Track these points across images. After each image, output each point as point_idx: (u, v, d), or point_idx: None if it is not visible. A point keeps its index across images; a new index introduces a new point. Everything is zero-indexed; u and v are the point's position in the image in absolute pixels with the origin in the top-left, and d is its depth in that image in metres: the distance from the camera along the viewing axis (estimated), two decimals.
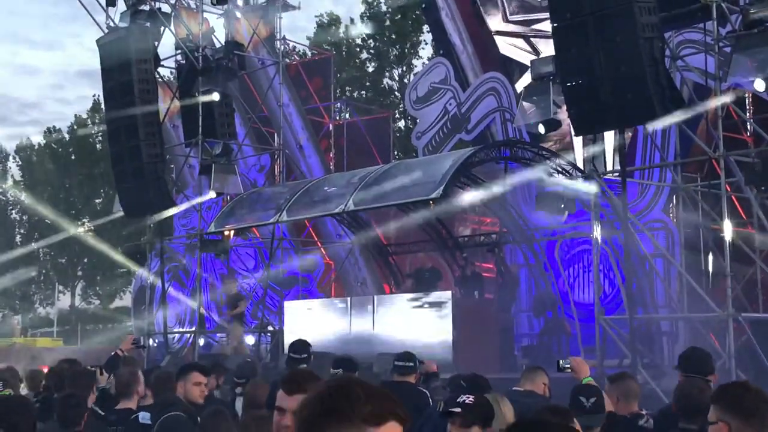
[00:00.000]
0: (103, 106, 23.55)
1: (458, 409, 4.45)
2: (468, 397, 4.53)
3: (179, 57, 20.88)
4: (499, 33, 22.11)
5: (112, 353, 8.53)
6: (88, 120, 48.85)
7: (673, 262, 15.50)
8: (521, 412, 4.88)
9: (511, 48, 22.15)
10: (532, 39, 22.02)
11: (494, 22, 22.09)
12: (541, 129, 14.90)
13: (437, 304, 16.08)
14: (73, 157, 48.25)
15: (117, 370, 7.85)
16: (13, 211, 51.45)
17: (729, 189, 14.45)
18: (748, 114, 16.57)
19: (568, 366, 6.02)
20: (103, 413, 6.36)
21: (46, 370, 8.68)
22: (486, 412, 4.54)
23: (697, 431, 4.85)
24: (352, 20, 41.85)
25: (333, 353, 14.21)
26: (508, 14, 21.86)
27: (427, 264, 18.87)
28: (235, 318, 18.70)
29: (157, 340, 21.98)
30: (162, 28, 19.66)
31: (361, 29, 40.19)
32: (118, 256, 22.91)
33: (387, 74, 41.28)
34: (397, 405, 2.00)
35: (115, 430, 5.98)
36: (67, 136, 49.10)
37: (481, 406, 4.53)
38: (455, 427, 4.49)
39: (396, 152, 29.14)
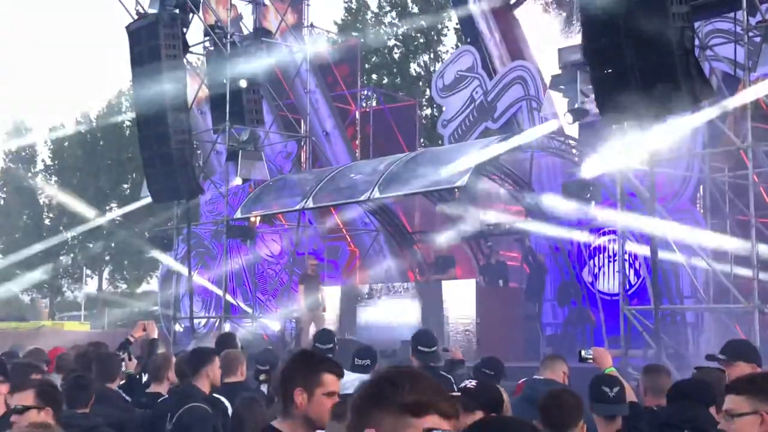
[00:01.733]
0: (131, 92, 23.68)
1: (457, 394, 4.50)
2: (470, 382, 4.57)
3: (207, 43, 20.97)
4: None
5: (123, 339, 8.65)
6: (116, 106, 49.11)
7: (699, 252, 15.42)
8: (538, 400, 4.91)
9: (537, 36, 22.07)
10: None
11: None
12: (569, 118, 14.84)
13: (461, 293, 16.13)
14: (101, 143, 48.55)
15: (147, 354, 7.94)
16: (42, 196, 51.87)
17: (756, 180, 14.37)
18: None
19: (590, 356, 6.03)
20: (129, 398, 6.43)
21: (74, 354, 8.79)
22: (490, 397, 4.58)
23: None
24: (380, 7, 41.80)
25: (357, 341, 14.32)
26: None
27: (446, 252, 18.85)
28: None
29: (183, 325, 22.17)
30: (190, 14, 19.74)
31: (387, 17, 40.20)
32: (144, 242, 23.14)
33: (414, 62, 41.21)
34: (443, 398, 2.02)
35: (144, 412, 6.06)
36: (95, 122, 49.40)
37: (483, 391, 4.57)
38: None
39: (422, 140, 29.11)
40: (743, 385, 3.52)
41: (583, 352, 6.08)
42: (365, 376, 7.17)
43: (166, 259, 23.06)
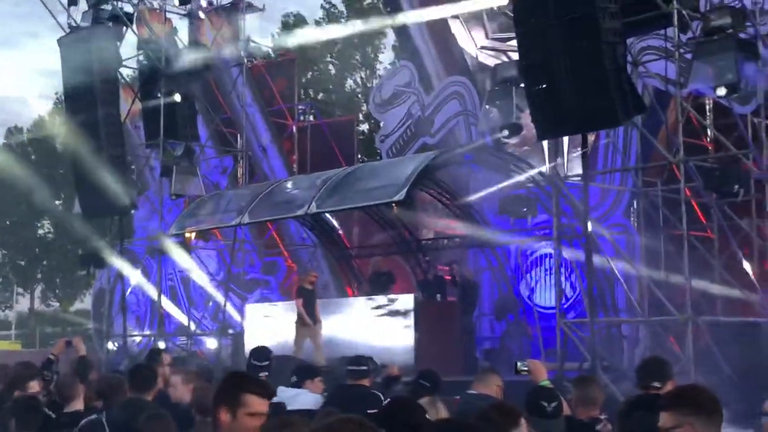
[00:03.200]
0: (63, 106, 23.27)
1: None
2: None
3: (141, 57, 20.68)
4: (484, 48, 22.02)
5: (46, 358, 8.46)
6: (48, 120, 48.28)
7: (633, 266, 15.62)
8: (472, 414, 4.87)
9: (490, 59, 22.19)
10: (509, 53, 22.09)
11: (479, 37, 21.97)
12: (504, 133, 14.95)
13: (400, 308, 16.08)
14: (33, 158, 47.66)
15: (77, 371, 7.78)
16: None
17: (689, 194, 14.61)
18: (708, 120, 16.74)
19: (526, 368, 6.01)
20: (54, 416, 6.30)
21: None
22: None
23: None
24: (317, 22, 41.81)
25: (294, 357, 14.18)
26: (489, 33, 21.76)
27: (384, 268, 18.83)
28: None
29: (116, 344, 21.75)
30: (124, 28, 19.48)
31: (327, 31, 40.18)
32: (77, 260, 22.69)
33: (350, 78, 41.30)
34: None
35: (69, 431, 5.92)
36: (26, 136, 48.51)
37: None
38: None
39: (360, 155, 29.09)
40: (670, 401, 3.65)
41: (518, 365, 6.07)
42: (303, 392, 7.10)
43: (101, 274, 22.64)
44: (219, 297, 20.95)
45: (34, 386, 6.47)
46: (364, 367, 7.25)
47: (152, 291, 20.93)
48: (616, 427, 4.99)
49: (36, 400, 5.81)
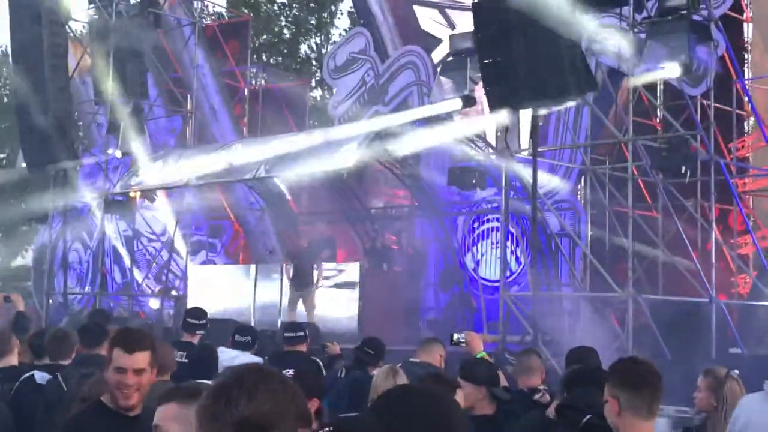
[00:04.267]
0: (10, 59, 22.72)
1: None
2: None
3: (92, 12, 20.22)
4: (418, 2, 22.02)
5: None
6: None
7: (578, 242, 15.78)
8: (413, 382, 4.87)
9: (429, 22, 22.13)
10: (447, 10, 22.06)
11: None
12: (457, 105, 14.93)
13: (346, 278, 16.08)
14: None
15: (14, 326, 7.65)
16: None
17: (636, 173, 14.75)
18: (658, 100, 16.88)
19: (463, 340, 6.02)
20: None
21: None
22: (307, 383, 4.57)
23: None
24: None
25: (235, 320, 14.11)
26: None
27: (326, 234, 18.68)
28: None
29: (57, 301, 21.45)
30: None
31: None
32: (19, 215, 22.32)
33: (305, 42, 40.90)
34: (284, 416, 1.82)
35: (2, 387, 5.80)
36: None
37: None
38: None
39: (312, 121, 28.89)
40: (607, 374, 3.76)
41: (455, 336, 6.07)
42: (245, 355, 7.05)
43: (43, 231, 22.28)
44: (163, 258, 20.75)
45: None
46: (300, 333, 7.23)
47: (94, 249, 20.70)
48: (557, 398, 5.02)
49: None
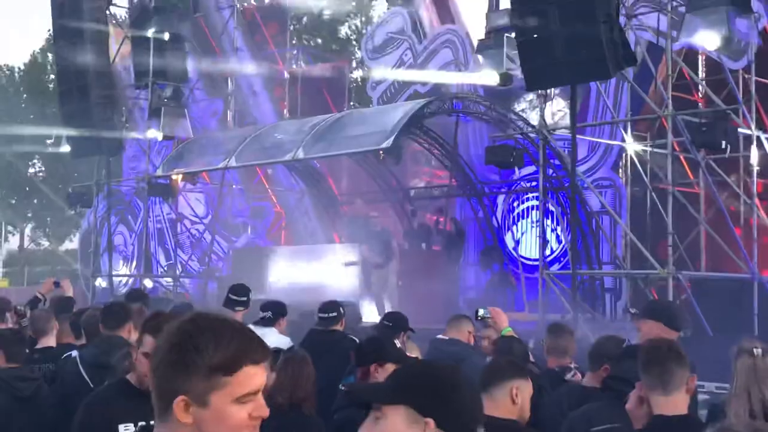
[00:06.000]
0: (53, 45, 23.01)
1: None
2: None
3: None
4: None
5: (33, 296, 8.45)
6: (40, 59, 47.80)
7: (618, 220, 15.65)
8: (444, 359, 4.89)
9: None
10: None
11: None
12: (494, 81, 14.87)
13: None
14: (24, 96, 47.26)
15: (62, 311, 7.77)
16: None
17: (677, 149, 14.59)
18: (700, 75, 16.65)
19: (488, 315, 5.96)
20: (27, 351, 6.31)
21: None
22: (375, 351, 4.61)
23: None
24: None
25: (275, 300, 14.18)
26: None
27: (371, 213, 18.64)
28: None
29: (106, 282, 21.79)
30: None
31: None
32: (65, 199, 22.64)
33: (344, 24, 40.88)
34: (249, 349, 1.93)
35: (40, 367, 5.91)
36: (17, 75, 48.05)
37: (369, 345, 4.62)
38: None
39: (351, 102, 28.92)
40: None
41: (480, 311, 5.98)
42: (272, 331, 7.11)
43: (89, 214, 22.59)
44: (206, 240, 20.97)
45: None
46: (334, 314, 7.17)
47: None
48: (600, 371, 5.00)
49: (20, 332, 5.77)
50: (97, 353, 5.43)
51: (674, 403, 3.64)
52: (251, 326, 7.15)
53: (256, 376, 1.93)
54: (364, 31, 36.50)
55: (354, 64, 36.10)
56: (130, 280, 22.18)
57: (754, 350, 3.73)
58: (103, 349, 5.42)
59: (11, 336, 5.61)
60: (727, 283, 14.20)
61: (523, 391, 3.89)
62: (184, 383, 1.89)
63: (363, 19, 40.56)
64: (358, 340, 7.28)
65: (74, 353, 6.04)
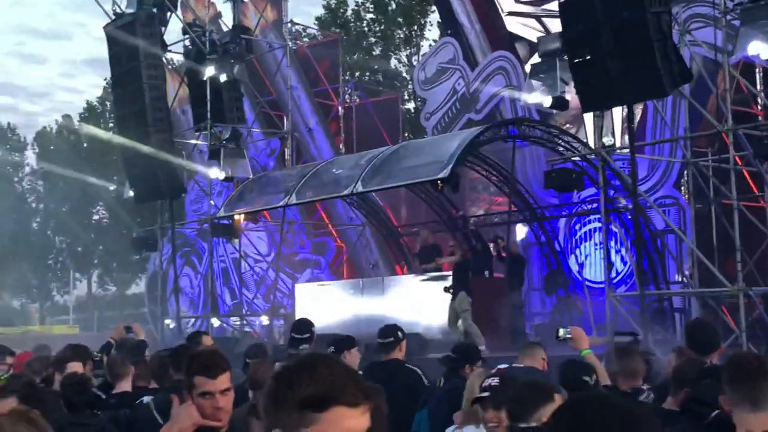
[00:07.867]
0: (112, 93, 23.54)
1: (486, 394, 4.34)
2: (493, 380, 4.44)
3: (187, 42, 20.84)
4: (512, 13, 21.95)
5: (106, 342, 8.58)
6: (98, 107, 48.90)
7: (684, 238, 15.41)
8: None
9: (522, 28, 22.03)
10: (543, 18, 21.90)
11: (507, 3, 21.92)
12: (547, 103, 14.81)
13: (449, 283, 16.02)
14: (85, 145, 48.35)
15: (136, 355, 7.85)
16: (30, 200, 51.66)
17: (739, 163, 14.36)
18: (758, 87, 16.40)
19: (569, 335, 5.86)
20: (104, 397, 6.40)
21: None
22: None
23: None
24: (357, 4, 41.65)
25: (337, 333, 14.21)
26: None
27: (431, 240, 18.63)
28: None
29: (171, 325, 22.07)
30: (169, 13, 19.61)
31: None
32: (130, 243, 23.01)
33: (395, 57, 41.19)
34: (344, 388, 1.89)
35: (116, 413, 5.98)
36: (77, 124, 49.22)
37: (505, 385, 4.45)
38: (488, 411, 4.36)
39: (406, 134, 29.05)
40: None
41: (561, 331, 5.87)
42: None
43: (154, 258, 22.92)
44: (270, 277, 21.15)
45: (75, 367, 6.54)
46: (390, 339, 7.00)
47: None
48: (680, 394, 4.91)
49: (83, 380, 5.85)
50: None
51: (762, 422, 3.54)
52: None
53: (349, 419, 1.88)
54: (414, 63, 36.76)
55: (406, 96, 36.30)
56: (198, 321, 22.43)
57: None
58: (175, 393, 5.48)
59: (71, 384, 5.65)
60: None
61: None
62: (278, 417, 1.90)
63: (412, 50, 40.83)
64: (419, 371, 7.19)
65: (146, 399, 6.11)
